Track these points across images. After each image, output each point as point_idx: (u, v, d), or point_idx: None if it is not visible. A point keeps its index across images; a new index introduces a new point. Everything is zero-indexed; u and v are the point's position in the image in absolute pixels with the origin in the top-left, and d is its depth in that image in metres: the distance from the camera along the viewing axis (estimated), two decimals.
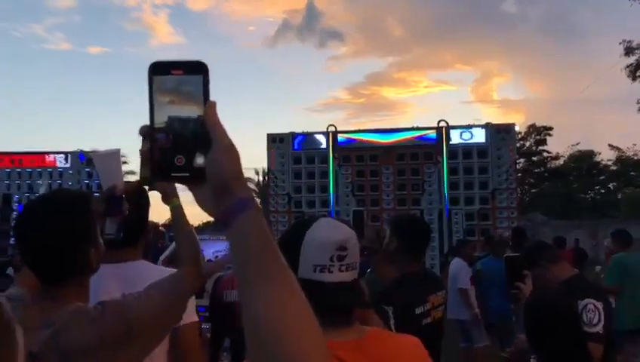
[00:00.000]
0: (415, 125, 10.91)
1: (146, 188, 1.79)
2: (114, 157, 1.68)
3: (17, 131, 45.58)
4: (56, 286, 1.40)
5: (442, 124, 10.61)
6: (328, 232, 1.17)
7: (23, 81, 51.35)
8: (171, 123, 0.69)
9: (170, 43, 52.45)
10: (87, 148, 12.32)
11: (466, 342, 6.21)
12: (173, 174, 0.70)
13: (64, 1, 48.43)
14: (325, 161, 10.78)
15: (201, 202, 0.72)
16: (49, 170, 12.10)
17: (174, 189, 1.67)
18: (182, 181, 0.71)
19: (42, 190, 11.38)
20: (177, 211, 1.66)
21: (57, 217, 1.38)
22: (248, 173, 33.65)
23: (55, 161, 12.15)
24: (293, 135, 10.99)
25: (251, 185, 34.00)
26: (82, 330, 1.29)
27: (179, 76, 0.70)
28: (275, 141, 11.01)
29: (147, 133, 0.70)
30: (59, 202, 1.42)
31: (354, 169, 10.74)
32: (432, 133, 10.59)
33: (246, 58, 63.31)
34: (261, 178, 33.51)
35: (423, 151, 10.58)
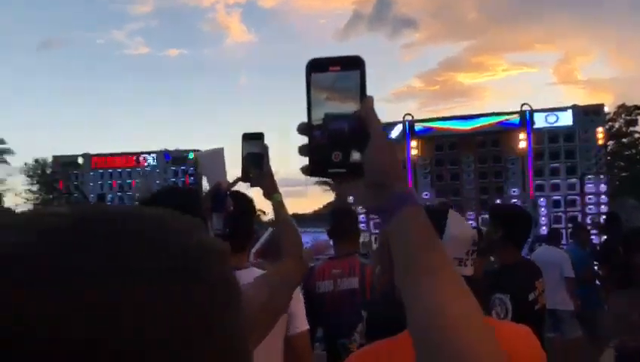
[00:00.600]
0: (495, 111, 10.55)
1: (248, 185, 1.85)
2: (218, 155, 1.75)
3: (105, 134, 48.32)
4: None
5: (525, 107, 10.19)
6: (465, 226, 1.20)
7: (107, 86, 54.27)
8: (328, 119, 0.69)
9: (243, 41, 53.65)
10: (170, 148, 12.86)
11: (554, 332, 5.99)
12: (330, 170, 0.70)
13: (142, 8, 50.84)
14: (402, 150, 10.66)
15: (357, 197, 0.73)
16: (138, 169, 12.72)
17: (275, 184, 1.71)
18: (338, 177, 0.71)
19: (142, 186, 11.95)
20: (279, 205, 1.71)
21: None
22: None
23: (144, 161, 12.75)
24: None
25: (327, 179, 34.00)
26: None
27: (336, 72, 0.70)
28: None
29: (305, 130, 0.71)
30: (172, 198, 1.50)
31: (433, 158, 10.55)
32: (515, 118, 10.19)
33: (318, 52, 63.59)
34: None
35: (506, 137, 10.21)
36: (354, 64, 0.71)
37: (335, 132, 0.69)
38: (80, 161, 12.87)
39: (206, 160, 1.76)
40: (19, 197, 29.31)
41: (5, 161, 26.82)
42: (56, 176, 13.13)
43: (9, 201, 28.29)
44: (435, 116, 11.05)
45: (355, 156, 0.69)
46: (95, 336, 0.29)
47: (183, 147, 12.82)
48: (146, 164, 12.73)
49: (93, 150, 13.14)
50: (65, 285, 0.30)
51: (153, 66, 53.67)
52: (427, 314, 0.62)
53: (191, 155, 12.61)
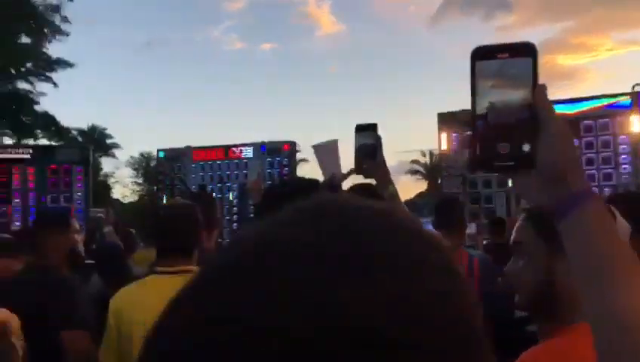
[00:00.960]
0: (601, 93, 9.87)
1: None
2: (332, 147, 1.77)
3: (205, 127, 50.50)
4: None
5: (638, 88, 9.44)
6: (621, 220, 1.14)
7: (205, 81, 56.66)
8: (496, 109, 0.66)
9: (332, 32, 53.90)
10: (266, 140, 13.20)
11: None
12: (496, 163, 0.67)
13: (236, 4, 52.29)
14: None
15: (526, 192, 0.69)
16: (235, 161, 13.18)
17: (389, 176, 1.70)
18: (505, 171, 0.68)
19: (250, 176, 12.38)
20: (392, 197, 1.70)
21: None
22: (414, 155, 33.42)
23: (241, 152, 13.19)
24: (464, 112, 10.62)
25: (418, 167, 33.72)
26: None
27: (504, 60, 0.67)
28: (446, 120, 10.73)
29: (470, 120, 0.68)
30: (296, 188, 1.54)
31: None
32: (626, 100, 9.47)
33: (409, 39, 62.59)
34: (428, 160, 33.02)
35: (616, 121, 9.52)
36: (525, 51, 0.67)
37: (503, 122, 0.66)
38: (183, 153, 13.53)
39: (321, 151, 1.78)
40: (126, 189, 31.43)
41: (113, 155, 28.72)
42: (160, 168, 13.88)
43: (117, 193, 30.41)
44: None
45: (525, 148, 0.65)
46: (405, 331, 0.28)
47: (278, 138, 13.13)
48: (242, 155, 13.16)
49: (195, 143, 13.74)
50: (378, 276, 0.30)
51: (248, 61, 55.23)
52: (628, 315, 0.59)
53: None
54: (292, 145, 11.46)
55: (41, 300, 2.23)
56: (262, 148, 12.89)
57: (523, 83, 0.66)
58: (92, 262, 3.29)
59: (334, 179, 1.74)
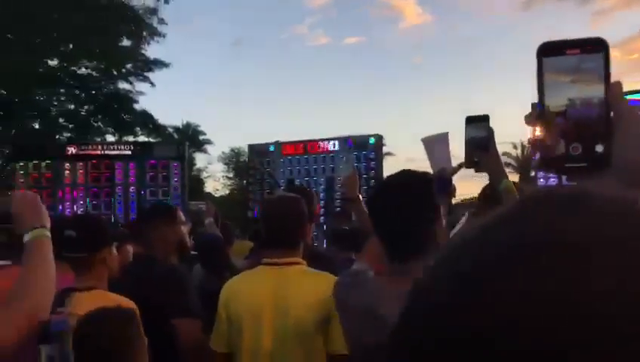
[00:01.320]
0: None
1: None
2: (443, 140, 1.72)
3: (294, 122, 51.47)
4: (404, 262, 1.49)
5: None
6: None
7: (292, 77, 57.62)
8: (565, 107, 0.63)
9: (418, 23, 52.93)
10: (352, 133, 13.21)
11: None
12: (567, 165, 0.63)
13: (320, 0, 52.68)
14: None
15: None
16: (322, 155, 13.29)
17: (503, 169, 1.63)
18: (577, 173, 0.63)
19: (341, 170, 12.46)
20: (508, 191, 1.63)
21: (409, 197, 1.46)
22: (505, 147, 32.22)
23: (327, 147, 13.29)
24: None
25: (509, 160, 32.47)
26: None
27: (574, 56, 0.63)
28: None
29: (537, 120, 0.65)
30: (409, 183, 1.51)
31: None
32: None
33: (498, 26, 60.23)
34: (519, 152, 31.74)
35: None
36: (596, 46, 0.63)
37: (574, 121, 0.62)
38: (272, 148, 13.84)
39: (431, 144, 1.74)
40: (217, 183, 32.69)
41: (206, 151, 29.91)
42: (250, 163, 14.27)
43: (209, 187, 31.69)
44: (637, 88, 9.73)
45: (598, 149, 0.60)
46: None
47: (364, 132, 13.10)
48: (328, 149, 13.26)
49: (283, 138, 14.01)
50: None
51: (332, 55, 55.58)
52: None
53: (372, 140, 12.84)
54: (378, 138, 11.41)
55: (150, 290, 2.32)
56: (348, 142, 12.93)
57: (594, 80, 0.62)
58: (195, 253, 3.42)
59: (444, 173, 1.69)
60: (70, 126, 19.66)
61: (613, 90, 0.61)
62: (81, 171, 9.87)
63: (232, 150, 31.01)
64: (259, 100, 57.18)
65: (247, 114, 54.11)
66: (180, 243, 2.64)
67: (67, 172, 9.81)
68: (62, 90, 18.61)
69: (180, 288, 2.44)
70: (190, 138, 24.38)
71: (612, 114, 0.62)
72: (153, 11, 14.62)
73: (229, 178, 31.94)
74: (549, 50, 0.65)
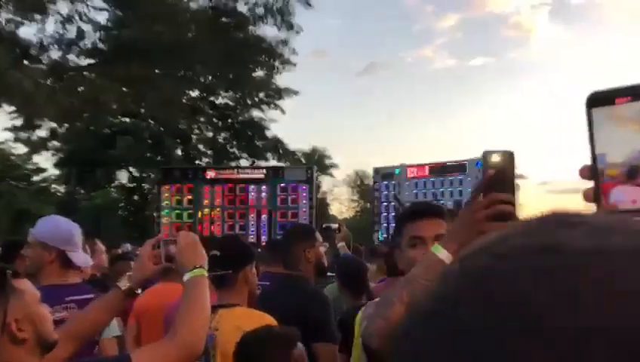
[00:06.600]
0: None
1: None
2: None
3: (420, 145, 50.99)
4: None
5: None
6: None
7: (419, 100, 57.31)
8: (626, 160, 0.59)
9: (551, 40, 50.30)
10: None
11: None
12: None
13: (447, 22, 51.97)
14: None
15: None
16: (450, 178, 13.01)
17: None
18: None
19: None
20: None
21: None
22: None
23: (455, 169, 12.99)
24: None
25: None
26: None
27: (626, 104, 0.59)
28: None
29: (589, 174, 0.61)
30: None
31: None
32: None
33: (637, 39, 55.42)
34: None
35: None
36: None
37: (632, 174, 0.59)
38: (397, 171, 13.80)
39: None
40: (342, 206, 33.17)
41: (331, 174, 30.55)
42: (375, 186, 14.34)
43: (334, 210, 32.24)
44: None
45: None
46: None
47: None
48: (456, 172, 12.95)
49: (410, 161, 13.90)
50: None
51: (460, 77, 54.52)
52: None
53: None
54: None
55: (294, 311, 2.34)
56: (477, 164, 12.51)
57: None
58: (331, 274, 3.47)
59: None
60: (209, 152, 21.21)
61: None
62: (218, 194, 10.54)
63: (357, 173, 31.38)
64: (385, 123, 57.39)
65: (373, 137, 54.54)
66: (317, 263, 2.70)
67: (206, 194, 10.53)
68: (202, 119, 20.16)
69: (324, 311, 2.48)
70: (317, 162, 25.07)
71: None
72: (284, 42, 15.38)
73: (353, 200, 32.31)
74: (598, 101, 0.61)
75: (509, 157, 1.12)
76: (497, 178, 1.10)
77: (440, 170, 13.08)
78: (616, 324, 0.27)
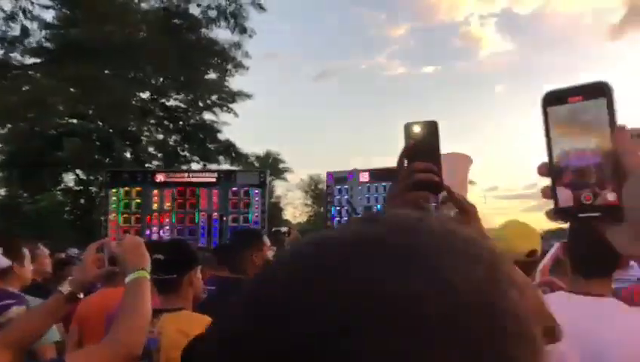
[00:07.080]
0: None
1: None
2: (461, 161, 1.54)
3: (370, 149, 51.62)
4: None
5: None
6: None
7: (371, 106, 58.02)
8: (573, 157, 0.62)
9: (498, 51, 51.92)
10: None
11: None
12: (580, 215, 0.62)
13: (399, 31, 52.90)
14: None
15: (618, 243, 0.61)
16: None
17: None
18: (591, 221, 0.62)
19: None
20: None
21: None
22: None
23: None
24: None
25: None
26: None
27: (577, 103, 0.62)
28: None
29: (547, 170, 0.64)
30: None
31: None
32: None
33: (587, 54, 57.84)
34: None
35: None
36: (599, 92, 0.61)
37: (583, 170, 0.61)
38: (350, 176, 13.92)
39: (448, 160, 1.57)
40: (296, 210, 33.19)
41: (285, 178, 30.53)
42: (328, 190, 14.38)
43: (288, 214, 32.24)
44: None
45: (611, 197, 0.59)
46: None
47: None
48: None
49: (363, 166, 14.06)
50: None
51: (410, 85, 55.49)
52: None
53: None
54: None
55: None
56: None
57: (600, 127, 0.61)
58: None
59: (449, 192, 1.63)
60: (159, 155, 20.82)
61: (618, 136, 0.59)
62: (167, 198, 10.36)
63: (311, 177, 31.45)
64: (337, 129, 57.93)
65: (326, 142, 54.90)
66: (265, 265, 2.73)
67: (155, 198, 10.33)
68: (152, 121, 19.80)
69: None
70: (270, 166, 25.01)
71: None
72: (237, 45, 15.32)
73: (307, 205, 32.36)
74: (552, 100, 0.64)
75: (430, 126, 1.11)
76: (418, 148, 1.09)
77: (393, 174, 13.27)
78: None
